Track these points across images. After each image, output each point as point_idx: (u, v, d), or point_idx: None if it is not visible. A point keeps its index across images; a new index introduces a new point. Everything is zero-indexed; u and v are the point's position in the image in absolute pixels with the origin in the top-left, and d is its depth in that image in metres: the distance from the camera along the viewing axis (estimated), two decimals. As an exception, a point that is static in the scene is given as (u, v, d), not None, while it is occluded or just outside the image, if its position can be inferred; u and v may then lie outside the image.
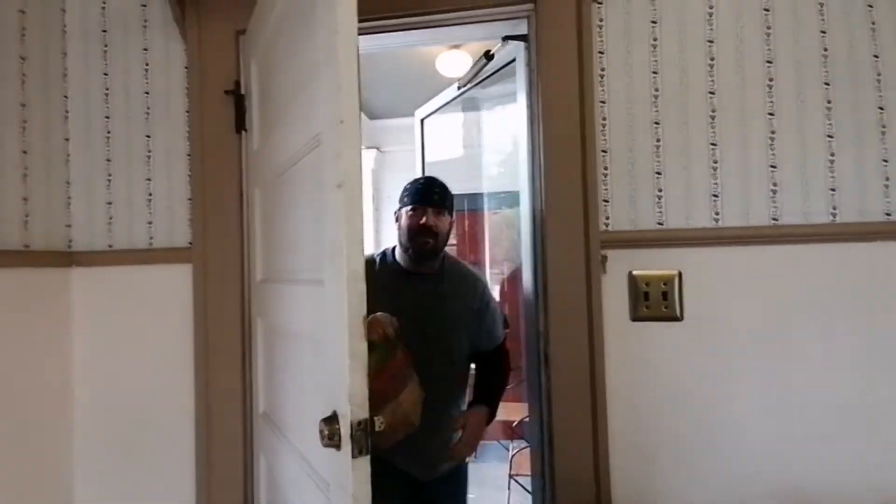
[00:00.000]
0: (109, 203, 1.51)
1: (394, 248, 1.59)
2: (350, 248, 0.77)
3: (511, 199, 3.85)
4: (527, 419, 3.13)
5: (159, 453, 1.45)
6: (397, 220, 1.55)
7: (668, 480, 1.25)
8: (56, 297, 1.46)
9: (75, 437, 1.48)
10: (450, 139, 3.56)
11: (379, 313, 1.15)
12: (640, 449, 1.26)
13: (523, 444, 3.05)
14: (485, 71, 1.73)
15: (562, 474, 1.29)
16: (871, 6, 1.22)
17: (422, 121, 2.48)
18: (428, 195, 1.49)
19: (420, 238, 1.47)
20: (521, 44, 1.42)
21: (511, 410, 3.35)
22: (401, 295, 1.46)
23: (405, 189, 1.54)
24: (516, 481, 2.50)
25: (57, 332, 1.45)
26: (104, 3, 1.51)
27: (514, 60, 1.51)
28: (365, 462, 0.76)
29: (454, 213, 1.57)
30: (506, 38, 1.45)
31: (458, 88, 2.01)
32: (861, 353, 1.20)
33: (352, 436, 0.75)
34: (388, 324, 1.16)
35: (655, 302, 1.25)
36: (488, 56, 1.61)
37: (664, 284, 1.25)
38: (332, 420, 0.78)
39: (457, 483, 1.66)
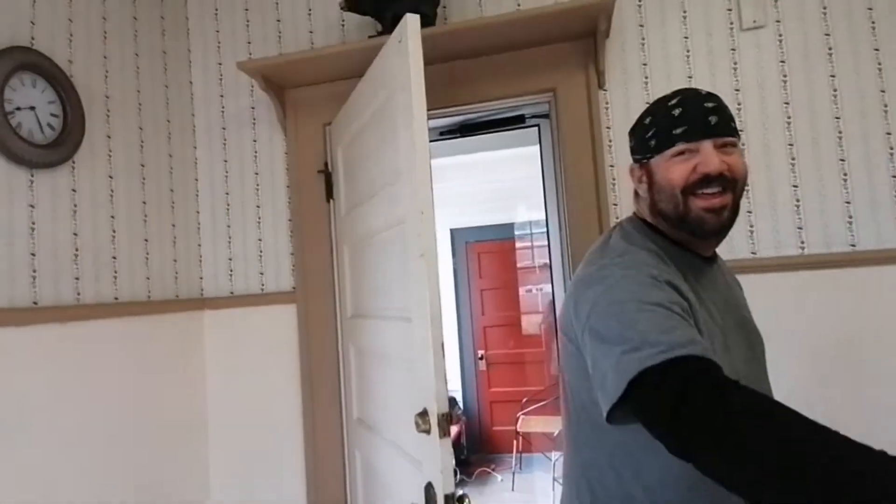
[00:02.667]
0: (230, 259, 1.95)
1: (632, 228, 0.92)
2: (431, 298, 1.14)
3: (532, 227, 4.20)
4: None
5: (275, 455, 1.86)
6: (643, 178, 0.90)
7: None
8: (194, 334, 1.90)
9: (210, 443, 1.91)
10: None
11: None
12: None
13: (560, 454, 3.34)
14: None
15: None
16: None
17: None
18: (706, 121, 0.82)
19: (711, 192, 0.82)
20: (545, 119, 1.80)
21: (549, 423, 3.65)
22: (717, 294, 0.90)
23: (651, 121, 0.88)
24: (560, 484, 2.79)
25: (195, 360, 1.89)
26: (223, 107, 1.99)
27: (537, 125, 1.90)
28: (447, 442, 1.12)
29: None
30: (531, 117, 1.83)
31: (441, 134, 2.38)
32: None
33: (438, 423, 1.12)
34: None
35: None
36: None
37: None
38: (423, 414, 1.15)
39: None
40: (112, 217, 1.59)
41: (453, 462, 1.12)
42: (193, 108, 1.99)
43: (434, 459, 1.13)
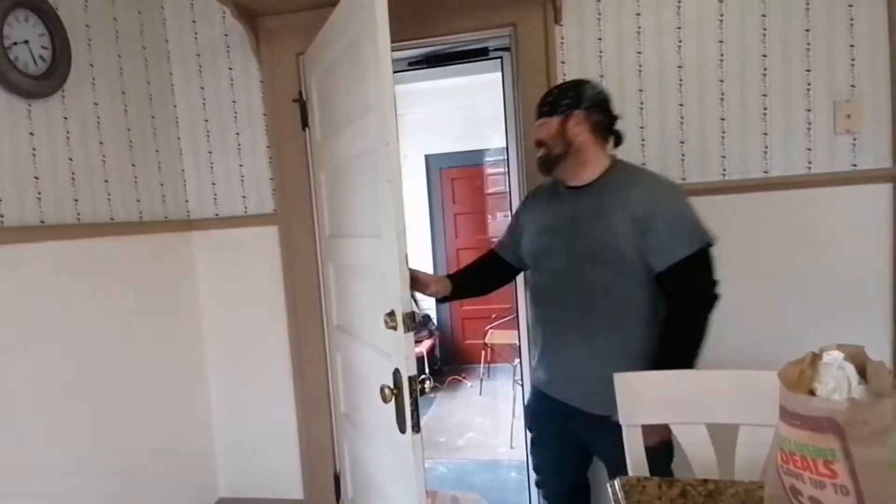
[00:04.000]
0: (213, 183, 2.09)
1: None
2: (396, 217, 1.33)
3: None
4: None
5: (265, 356, 2.10)
6: None
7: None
8: (183, 252, 2.07)
9: (206, 346, 2.14)
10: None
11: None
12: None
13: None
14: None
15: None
16: (758, 20, 1.68)
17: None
18: (538, 110, 1.39)
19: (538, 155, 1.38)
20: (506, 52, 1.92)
21: (513, 336, 4.02)
22: (548, 211, 1.43)
23: None
24: (519, 384, 3.16)
25: (186, 276, 2.08)
26: (196, 34, 2.04)
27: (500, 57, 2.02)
28: (410, 336, 1.35)
29: (579, 110, 1.32)
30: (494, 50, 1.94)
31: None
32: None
33: (403, 321, 1.34)
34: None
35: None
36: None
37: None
38: (391, 314, 1.38)
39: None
40: (101, 143, 1.70)
41: (415, 352, 1.36)
42: (167, 34, 2.04)
43: (400, 350, 1.37)
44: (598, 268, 1.30)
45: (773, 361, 0.72)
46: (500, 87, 2.10)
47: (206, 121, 2.07)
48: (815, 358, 0.65)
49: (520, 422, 3.13)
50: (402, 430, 1.32)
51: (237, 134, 2.06)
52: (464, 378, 4.28)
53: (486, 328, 4.10)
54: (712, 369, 1.13)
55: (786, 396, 0.64)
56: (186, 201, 2.10)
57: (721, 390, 1.11)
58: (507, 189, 2.23)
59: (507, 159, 2.09)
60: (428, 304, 4.74)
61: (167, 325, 1.95)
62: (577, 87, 1.35)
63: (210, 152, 2.08)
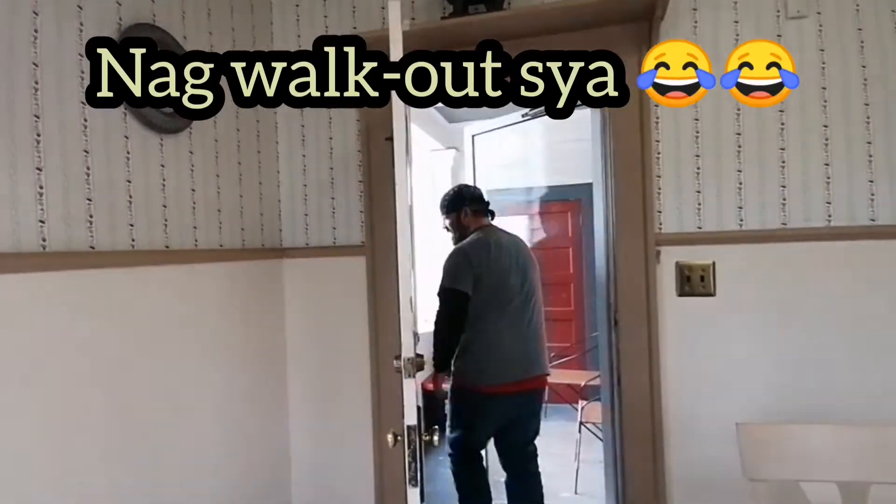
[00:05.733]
0: (306, 214, 2.20)
1: None
2: (402, 255, 1.36)
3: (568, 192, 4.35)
4: (591, 382, 3.68)
5: (345, 387, 2.14)
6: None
7: (706, 406, 1.78)
8: (275, 278, 2.17)
9: (288, 367, 2.20)
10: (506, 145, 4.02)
11: None
12: (686, 385, 1.80)
13: (585, 402, 3.62)
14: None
15: (628, 410, 1.86)
16: (862, 67, 1.67)
17: (472, 137, 2.87)
18: (442, 209, 2.35)
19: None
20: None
21: (576, 376, 3.94)
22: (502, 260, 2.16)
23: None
24: (586, 427, 3.08)
25: (276, 302, 2.17)
26: (300, 76, 2.19)
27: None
28: (411, 383, 1.20)
29: (465, 206, 2.24)
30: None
31: (523, 116, 2.50)
32: (839, 329, 1.68)
33: (404, 366, 1.35)
34: None
35: (696, 283, 1.78)
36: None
37: (702, 270, 1.77)
38: (398, 357, 1.39)
39: None
40: (217, 175, 1.83)
41: (415, 400, 1.21)
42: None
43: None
44: None
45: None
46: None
47: (304, 156, 2.19)
48: None
49: (585, 466, 3.04)
50: (405, 481, 1.20)
51: (331, 168, 2.17)
52: (520, 417, 4.21)
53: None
54: (839, 423, 1.09)
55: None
56: (280, 230, 2.21)
57: (851, 445, 1.07)
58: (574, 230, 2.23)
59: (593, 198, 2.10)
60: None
61: (256, 348, 2.03)
62: (460, 191, 2.30)
63: (305, 185, 2.20)
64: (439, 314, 2.06)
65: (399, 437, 1.21)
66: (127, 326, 1.43)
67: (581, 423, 3.09)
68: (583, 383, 3.54)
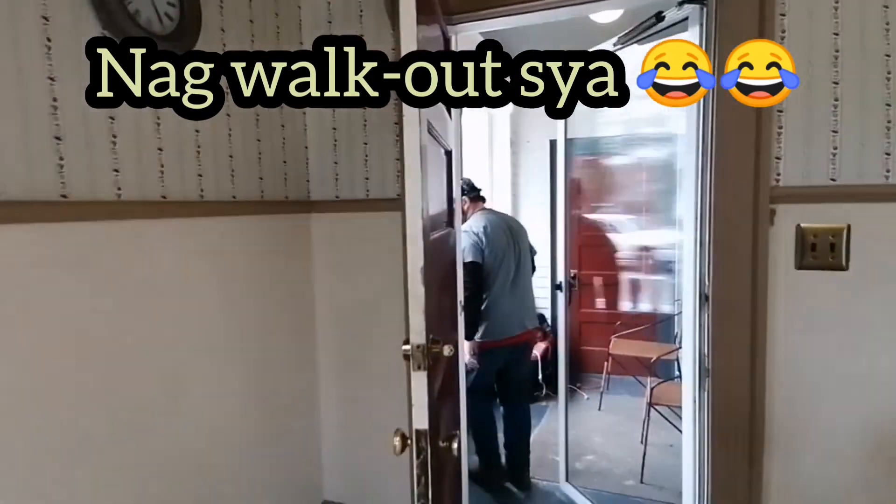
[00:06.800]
0: (336, 163, 1.91)
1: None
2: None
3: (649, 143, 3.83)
4: (666, 357, 3.29)
5: (377, 353, 1.90)
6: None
7: (828, 411, 1.39)
8: (301, 235, 1.92)
9: (317, 325, 1.98)
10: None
11: None
12: (801, 381, 1.41)
13: (657, 379, 3.24)
14: (649, 30, 1.82)
15: (718, 402, 1.49)
16: None
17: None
18: None
19: None
20: (696, 6, 1.51)
21: (643, 348, 3.53)
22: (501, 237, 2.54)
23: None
24: (656, 410, 2.72)
25: (303, 261, 1.93)
26: (329, 0, 1.86)
27: (685, 19, 1.60)
28: (422, 378, 0.99)
29: (463, 196, 2.42)
30: (682, 2, 1.54)
31: (614, 45, 2.09)
32: None
33: (413, 354, 1.03)
34: None
35: (822, 252, 1.35)
36: (659, 17, 1.69)
37: (833, 236, 1.34)
38: (407, 341, 1.07)
39: None
40: (227, 115, 1.57)
41: (425, 398, 0.98)
42: (300, 1, 1.88)
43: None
44: None
45: None
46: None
47: (334, 94, 1.89)
48: None
49: (654, 451, 2.71)
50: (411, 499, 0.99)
51: (364, 110, 1.85)
52: (579, 388, 3.89)
53: (611, 336, 3.67)
54: None
55: None
56: (308, 181, 1.95)
57: None
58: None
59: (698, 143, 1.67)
60: (542, 304, 4.39)
61: (282, 313, 1.81)
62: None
63: (334, 128, 1.90)
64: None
65: (408, 441, 0.97)
66: (106, 292, 1.21)
67: (650, 404, 2.73)
68: (653, 358, 3.15)
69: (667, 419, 2.77)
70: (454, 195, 1.81)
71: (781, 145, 1.38)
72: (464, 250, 2.28)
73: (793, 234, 1.38)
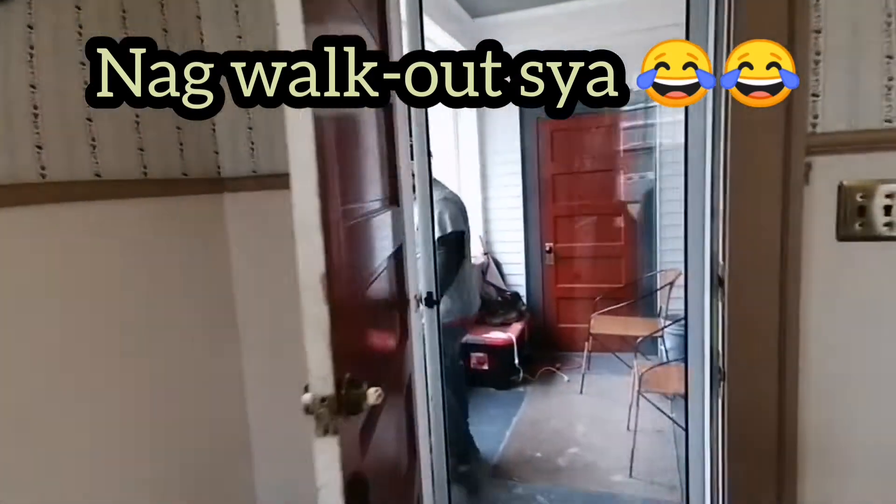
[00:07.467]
0: (250, 128, 1.51)
1: None
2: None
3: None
4: (655, 335, 3.03)
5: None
6: None
7: (882, 419, 1.10)
8: (210, 223, 1.52)
9: (238, 321, 1.61)
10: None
11: None
12: (847, 382, 1.12)
13: (645, 361, 2.98)
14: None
15: (736, 400, 1.19)
16: None
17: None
18: None
19: None
20: None
21: (630, 325, 3.27)
22: None
23: None
24: (646, 398, 2.46)
25: (217, 255, 1.55)
26: None
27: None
28: (333, 444, 0.72)
29: None
30: None
31: None
32: None
33: (315, 411, 0.70)
34: None
35: (874, 217, 1.04)
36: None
37: (888, 197, 1.03)
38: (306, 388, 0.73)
39: None
40: (82, 64, 1.15)
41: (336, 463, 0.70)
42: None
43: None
44: None
45: None
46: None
47: (239, 38, 1.47)
48: None
49: (643, 439, 2.45)
50: None
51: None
52: (559, 369, 3.62)
53: (592, 314, 3.39)
54: None
55: None
56: (216, 153, 1.54)
57: None
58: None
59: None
60: (517, 280, 4.09)
61: (198, 301, 1.44)
62: None
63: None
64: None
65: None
66: None
67: (639, 392, 2.45)
68: (640, 337, 2.88)
69: (656, 406, 2.51)
70: (399, 160, 1.42)
71: (819, 77, 1.05)
72: (444, 221, 2.23)
73: (833, 196, 1.07)
